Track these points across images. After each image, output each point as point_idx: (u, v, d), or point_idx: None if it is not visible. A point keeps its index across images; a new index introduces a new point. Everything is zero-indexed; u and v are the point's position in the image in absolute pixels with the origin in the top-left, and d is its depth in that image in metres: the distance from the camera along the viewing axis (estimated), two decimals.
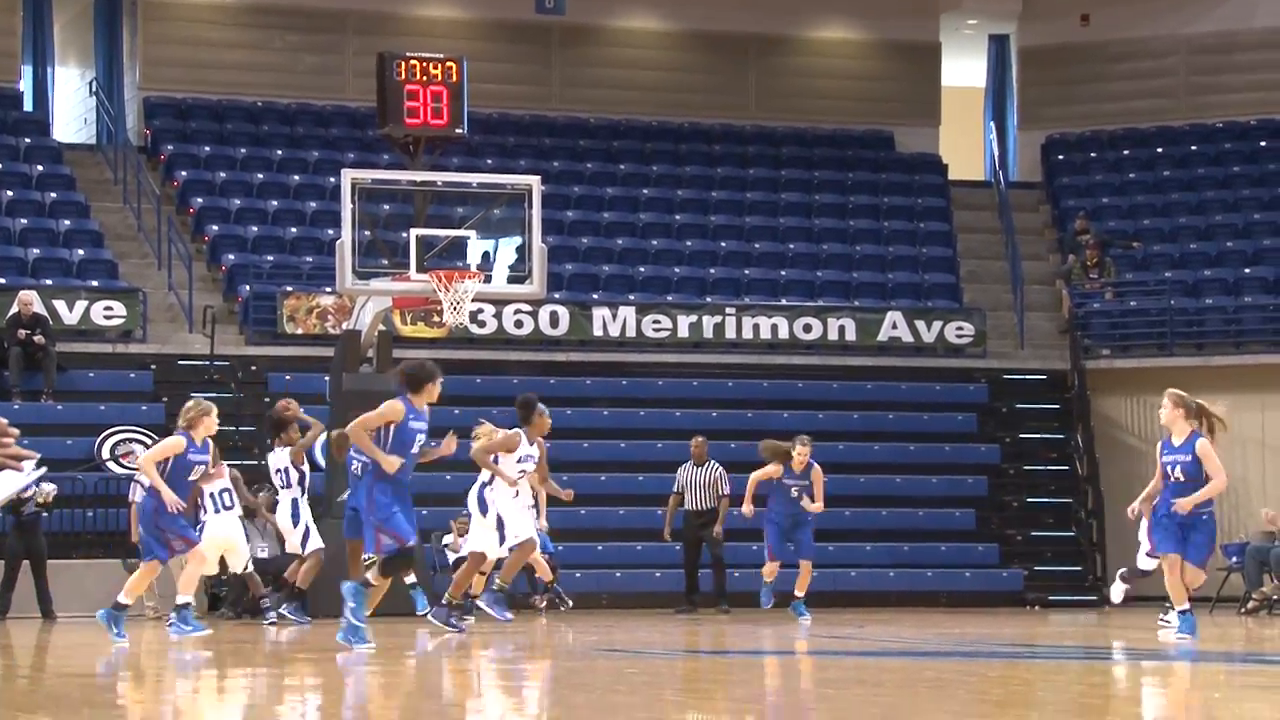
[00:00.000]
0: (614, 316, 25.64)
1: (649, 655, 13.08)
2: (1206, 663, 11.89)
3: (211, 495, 17.42)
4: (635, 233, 27.95)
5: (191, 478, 14.67)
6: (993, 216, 29.81)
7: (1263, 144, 29.61)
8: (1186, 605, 13.85)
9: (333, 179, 24.66)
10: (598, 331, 25.55)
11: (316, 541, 17.81)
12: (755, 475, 18.36)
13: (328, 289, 23.67)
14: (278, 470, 17.91)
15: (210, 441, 14.94)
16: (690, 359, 25.73)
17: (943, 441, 25.60)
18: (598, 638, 15.43)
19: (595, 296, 26.14)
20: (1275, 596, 21.38)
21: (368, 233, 20.33)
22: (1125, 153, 30.31)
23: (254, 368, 24.16)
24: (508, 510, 15.84)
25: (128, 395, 23.41)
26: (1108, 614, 21.40)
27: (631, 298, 26.27)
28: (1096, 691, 9.77)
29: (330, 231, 24.22)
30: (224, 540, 17.48)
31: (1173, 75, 30.56)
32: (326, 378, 21.32)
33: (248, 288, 24.84)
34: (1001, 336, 27.37)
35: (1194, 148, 29.95)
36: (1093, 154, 30.46)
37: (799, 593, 18.09)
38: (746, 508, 18.57)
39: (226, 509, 17.50)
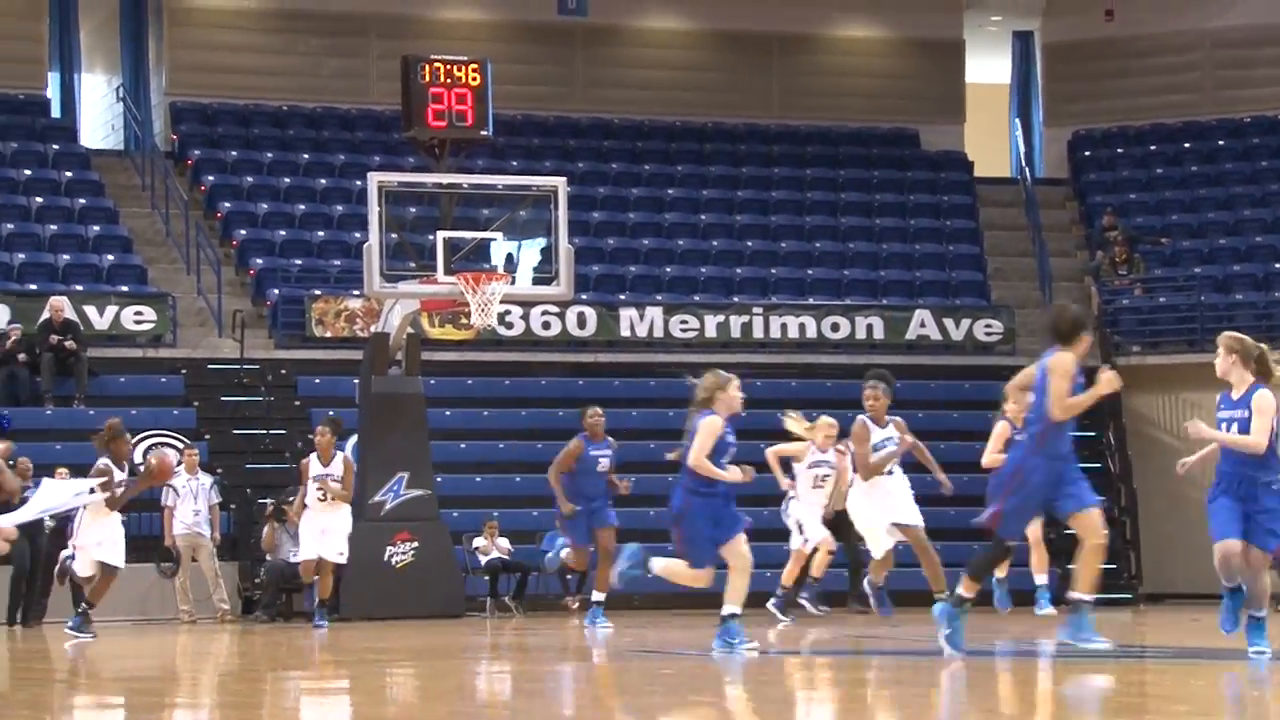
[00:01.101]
0: (641, 317, 25.64)
1: (679, 655, 13.07)
2: (1245, 660, 11.82)
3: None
4: (661, 233, 27.95)
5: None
6: (1019, 213, 29.75)
7: None
8: (1264, 612, 11.07)
9: (359, 182, 24.70)
10: (625, 332, 25.55)
11: None
12: (997, 436, 15.17)
13: (355, 292, 23.71)
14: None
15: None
16: (718, 359, 25.57)
17: (973, 439, 25.43)
18: (631, 639, 15.43)
19: (622, 297, 26.14)
20: None
21: (394, 235, 20.35)
22: (1152, 148, 30.21)
23: (283, 371, 24.21)
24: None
25: (159, 400, 23.45)
26: (1143, 612, 21.34)
27: (659, 298, 26.26)
28: (1133, 690, 9.75)
29: (357, 234, 24.27)
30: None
31: (1199, 70, 30.47)
32: (355, 381, 21.35)
33: (276, 291, 24.89)
34: (1030, 334, 27.29)
35: (1221, 142, 29.86)
36: (1119, 150, 30.38)
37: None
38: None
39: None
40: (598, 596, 16.97)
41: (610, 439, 17.75)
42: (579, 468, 17.38)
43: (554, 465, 17.38)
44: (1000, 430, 16.27)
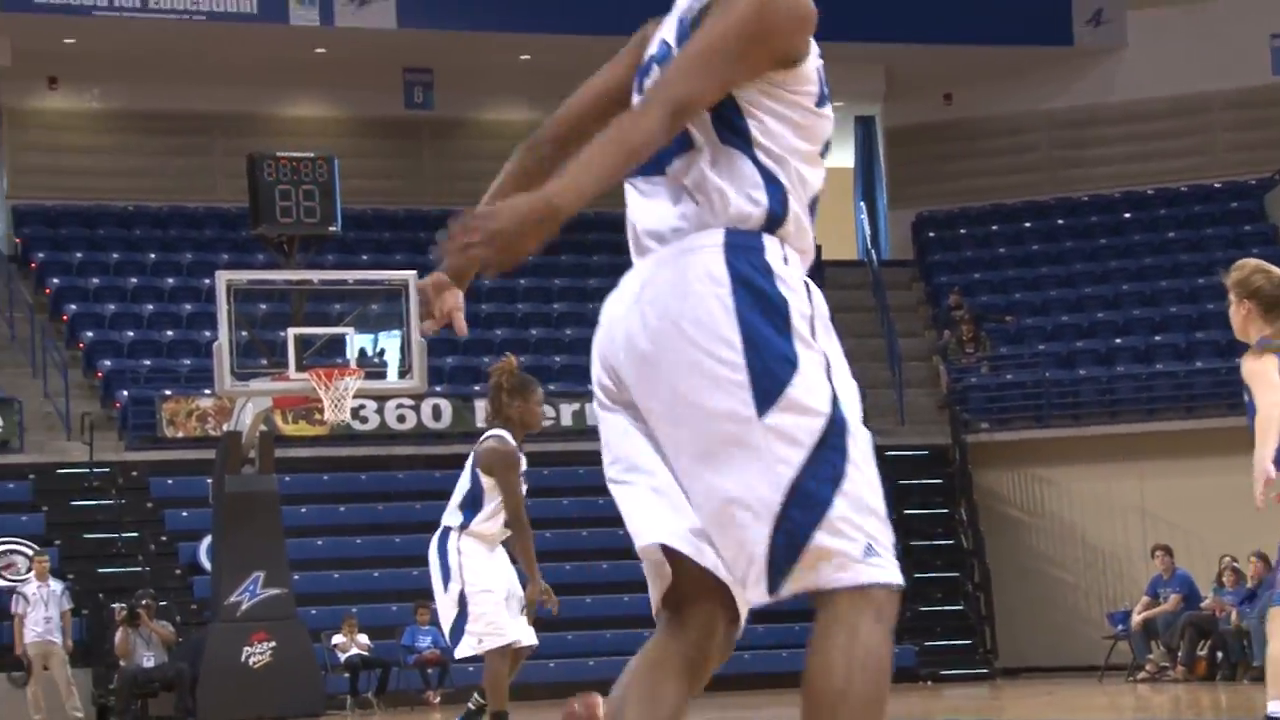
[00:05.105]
0: None
1: None
2: None
3: None
4: (514, 323, 27.99)
5: None
6: (867, 295, 30.10)
7: (1127, 215, 30.13)
8: None
9: (207, 280, 24.49)
10: (481, 424, 25.43)
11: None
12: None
13: (206, 391, 23.49)
14: None
15: None
16: (575, 447, 25.67)
17: None
18: None
19: (477, 389, 26.08)
20: (1163, 664, 21.61)
21: (245, 333, 20.20)
22: (994, 228, 30.75)
23: (134, 473, 23.90)
24: None
25: (6, 506, 23.05)
26: (999, 687, 21.55)
27: None
28: None
29: (207, 333, 24.07)
30: None
31: (1036, 150, 31.09)
32: (209, 480, 21.12)
33: (125, 393, 24.60)
34: (881, 415, 27.57)
35: (1060, 221, 30.45)
36: (962, 230, 30.87)
37: None
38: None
39: None
40: None
41: None
42: None
43: None
44: None
